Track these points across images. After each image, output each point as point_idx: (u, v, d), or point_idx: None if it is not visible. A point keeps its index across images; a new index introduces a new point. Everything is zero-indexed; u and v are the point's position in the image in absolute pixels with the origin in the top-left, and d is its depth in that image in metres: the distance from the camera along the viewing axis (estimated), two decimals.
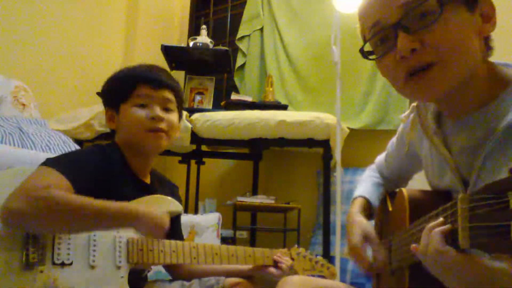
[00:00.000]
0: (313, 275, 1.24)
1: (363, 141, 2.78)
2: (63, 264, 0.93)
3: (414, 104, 0.92)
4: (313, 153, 2.85)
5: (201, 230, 2.11)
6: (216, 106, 2.88)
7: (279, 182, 3.17)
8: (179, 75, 3.51)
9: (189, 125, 2.42)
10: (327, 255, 2.23)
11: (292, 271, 1.25)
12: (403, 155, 1.02)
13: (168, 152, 3.01)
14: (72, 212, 0.91)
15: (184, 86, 3.04)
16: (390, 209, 1.06)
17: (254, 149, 3.07)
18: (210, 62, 3.04)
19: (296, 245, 1.33)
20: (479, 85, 0.73)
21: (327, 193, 2.37)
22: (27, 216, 0.87)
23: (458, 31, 0.67)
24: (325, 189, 2.37)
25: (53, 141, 1.92)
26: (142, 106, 1.12)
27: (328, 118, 2.36)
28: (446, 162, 0.79)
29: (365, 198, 1.08)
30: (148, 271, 1.17)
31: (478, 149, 0.72)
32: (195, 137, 2.47)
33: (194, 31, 3.78)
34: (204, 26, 3.10)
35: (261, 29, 3.41)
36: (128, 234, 1.03)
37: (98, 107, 2.44)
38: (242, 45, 3.45)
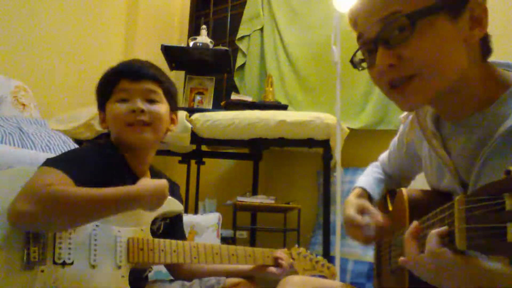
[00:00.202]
0: (313, 275, 1.25)
1: (363, 141, 2.77)
2: (64, 264, 0.93)
3: None
4: (313, 153, 2.85)
5: (201, 230, 2.11)
6: (216, 106, 2.88)
7: (279, 182, 3.17)
8: (179, 75, 3.52)
9: (189, 125, 2.42)
10: (327, 255, 2.23)
11: (292, 270, 1.25)
12: (403, 155, 1.03)
13: (168, 152, 3.02)
14: (80, 204, 0.91)
15: (184, 86, 3.04)
16: (390, 208, 1.06)
17: (254, 149, 3.07)
18: (210, 62, 3.04)
19: (296, 245, 1.33)
20: (473, 88, 0.73)
21: (327, 193, 2.36)
22: (36, 216, 0.87)
23: (434, 43, 0.67)
24: (325, 189, 2.36)
25: (53, 141, 1.92)
26: (124, 100, 1.10)
27: (328, 118, 2.35)
28: (445, 164, 0.79)
29: (364, 189, 1.08)
30: (149, 271, 1.18)
31: (477, 151, 0.72)
32: (195, 137, 2.47)
33: (194, 31, 3.78)
34: (204, 26, 3.10)
35: (261, 29, 3.41)
36: (128, 234, 1.04)
37: None
38: (242, 45, 3.45)
